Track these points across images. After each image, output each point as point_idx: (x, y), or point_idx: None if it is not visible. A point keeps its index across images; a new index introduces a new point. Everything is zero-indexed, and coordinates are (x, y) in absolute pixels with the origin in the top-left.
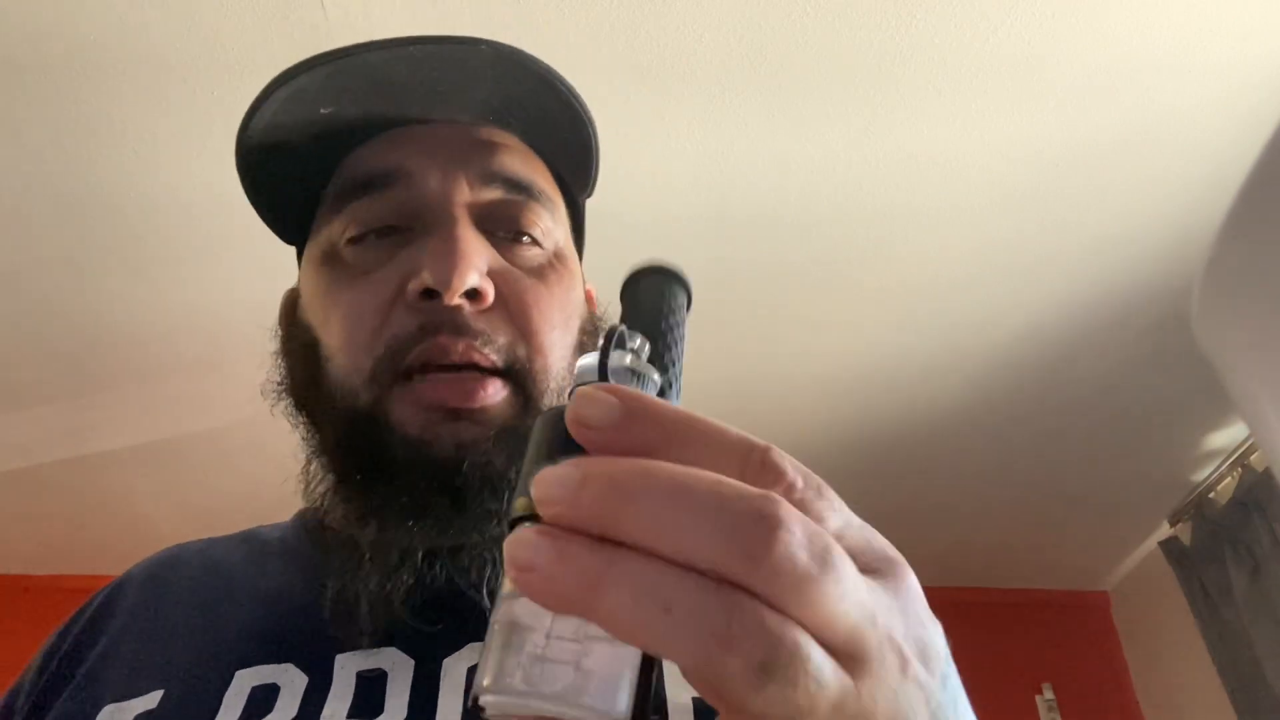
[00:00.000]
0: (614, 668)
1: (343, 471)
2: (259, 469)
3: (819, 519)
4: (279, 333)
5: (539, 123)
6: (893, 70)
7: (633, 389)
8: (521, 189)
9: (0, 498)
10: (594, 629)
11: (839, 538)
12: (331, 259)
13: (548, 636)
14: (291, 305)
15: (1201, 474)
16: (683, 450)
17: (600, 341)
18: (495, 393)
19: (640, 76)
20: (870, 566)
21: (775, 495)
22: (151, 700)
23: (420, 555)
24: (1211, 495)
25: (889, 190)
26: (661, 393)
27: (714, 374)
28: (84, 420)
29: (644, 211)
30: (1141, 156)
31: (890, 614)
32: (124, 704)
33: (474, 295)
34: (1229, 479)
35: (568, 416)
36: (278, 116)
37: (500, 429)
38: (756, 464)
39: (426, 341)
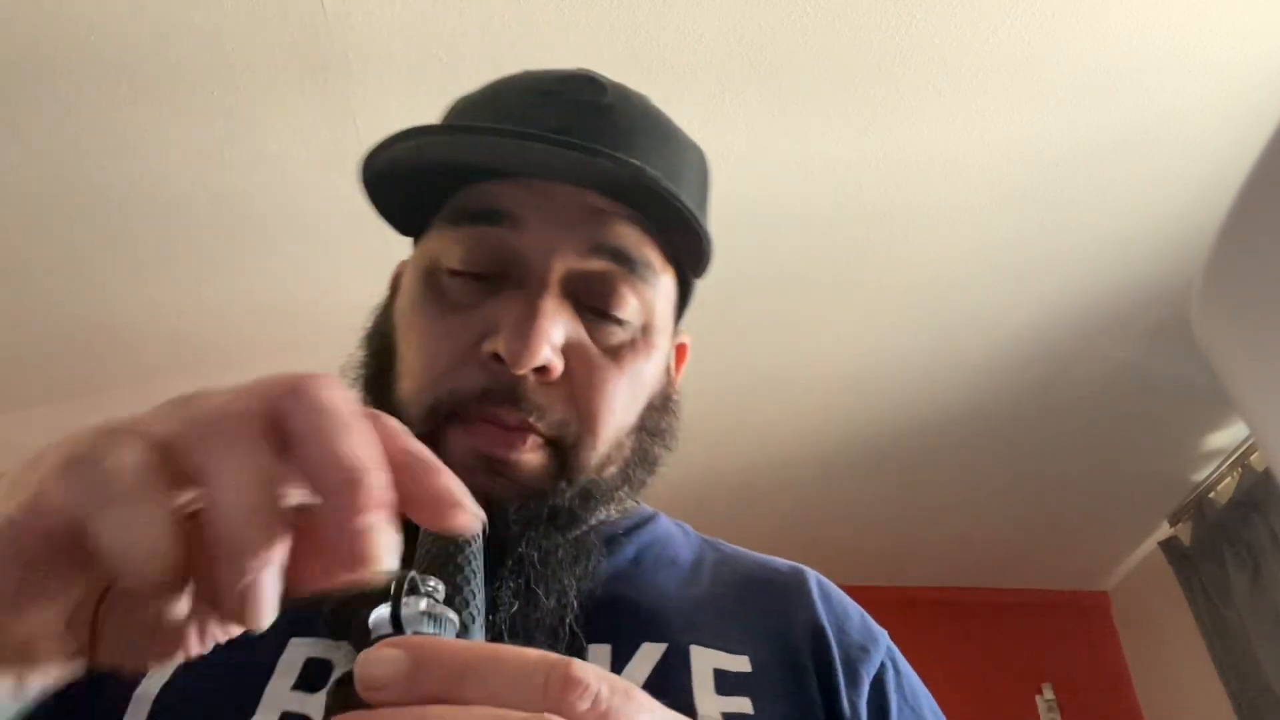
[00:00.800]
0: None
1: None
2: None
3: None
4: (376, 312)
5: (660, 209)
6: (893, 70)
7: (425, 635)
8: (625, 260)
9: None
10: None
11: None
12: (430, 278)
13: None
14: (392, 285)
15: (1201, 474)
16: (479, 685)
17: (391, 592)
18: (532, 449)
19: (640, 76)
20: None
21: (565, 704)
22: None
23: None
24: (1211, 495)
25: (889, 190)
26: (464, 629)
27: (714, 375)
28: (84, 420)
29: None
30: (1141, 156)
31: None
32: None
33: (541, 370)
34: (1229, 479)
35: (357, 678)
36: (401, 157)
37: (526, 492)
38: (558, 681)
39: (485, 406)
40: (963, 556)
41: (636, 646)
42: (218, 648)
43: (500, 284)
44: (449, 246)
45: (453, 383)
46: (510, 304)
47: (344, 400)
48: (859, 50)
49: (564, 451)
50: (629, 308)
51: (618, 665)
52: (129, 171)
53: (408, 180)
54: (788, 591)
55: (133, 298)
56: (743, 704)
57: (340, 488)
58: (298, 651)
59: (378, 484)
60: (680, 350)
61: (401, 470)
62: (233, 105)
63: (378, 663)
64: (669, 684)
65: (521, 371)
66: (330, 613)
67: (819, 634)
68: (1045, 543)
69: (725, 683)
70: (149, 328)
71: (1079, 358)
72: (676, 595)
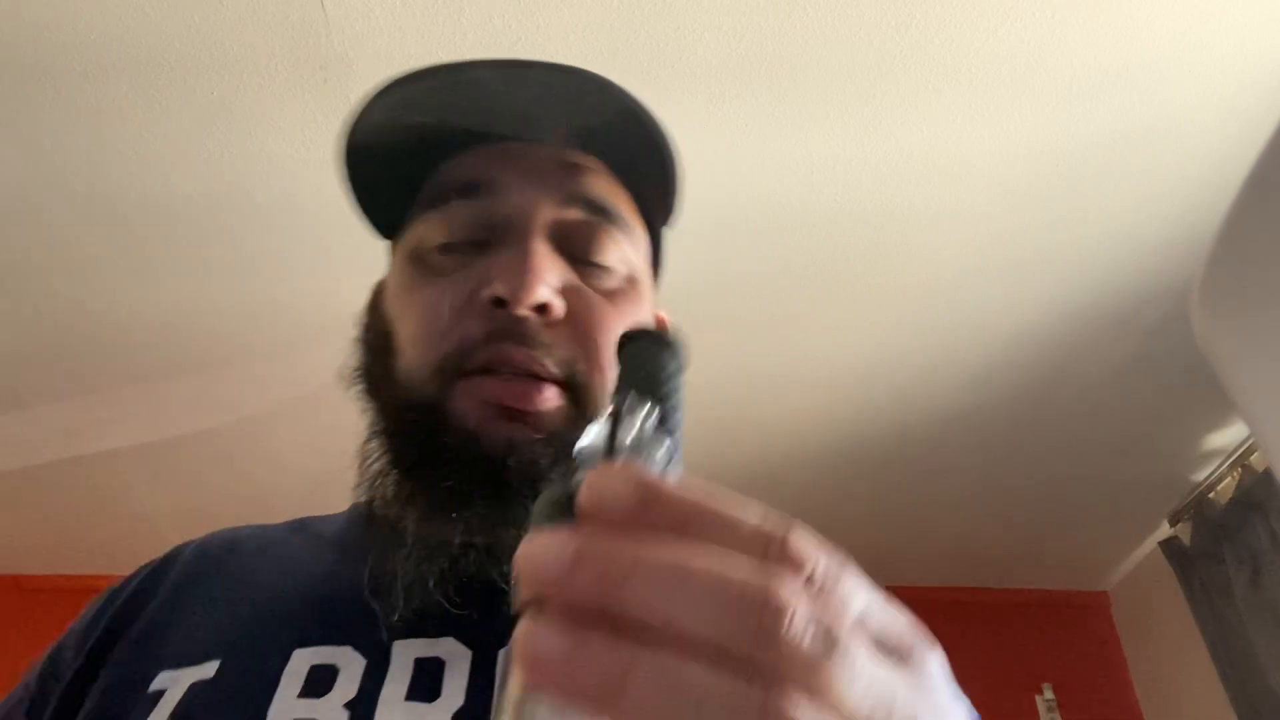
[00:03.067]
0: None
1: (398, 454)
2: (259, 469)
3: (839, 603)
4: (362, 320)
5: (623, 151)
6: (893, 70)
7: (642, 467)
8: (602, 212)
9: (0, 498)
10: None
11: (860, 622)
12: (417, 259)
13: None
14: (375, 296)
15: (1201, 474)
16: (703, 535)
17: (607, 417)
18: (551, 399)
19: (640, 76)
20: (892, 650)
21: (784, 577)
22: (208, 670)
23: (457, 543)
24: (1211, 495)
25: (889, 190)
26: (670, 458)
27: (714, 375)
28: (84, 420)
29: None
30: (1141, 156)
31: (911, 699)
32: (180, 671)
33: (543, 309)
34: (1229, 479)
35: (580, 501)
36: (382, 122)
37: (551, 433)
38: (776, 553)
39: (491, 347)
40: (962, 556)
41: None
42: (223, 667)
43: (487, 248)
44: (432, 227)
45: (456, 335)
46: (501, 255)
47: None
48: (859, 50)
49: (577, 392)
50: (612, 255)
51: None
52: (129, 171)
53: (383, 166)
54: None
55: (133, 298)
56: None
57: None
58: (301, 661)
59: None
60: (660, 321)
61: None
62: (233, 105)
63: (605, 487)
64: None
65: (523, 310)
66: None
67: None
68: (1045, 543)
69: None
70: (149, 328)
71: (1079, 358)
72: None
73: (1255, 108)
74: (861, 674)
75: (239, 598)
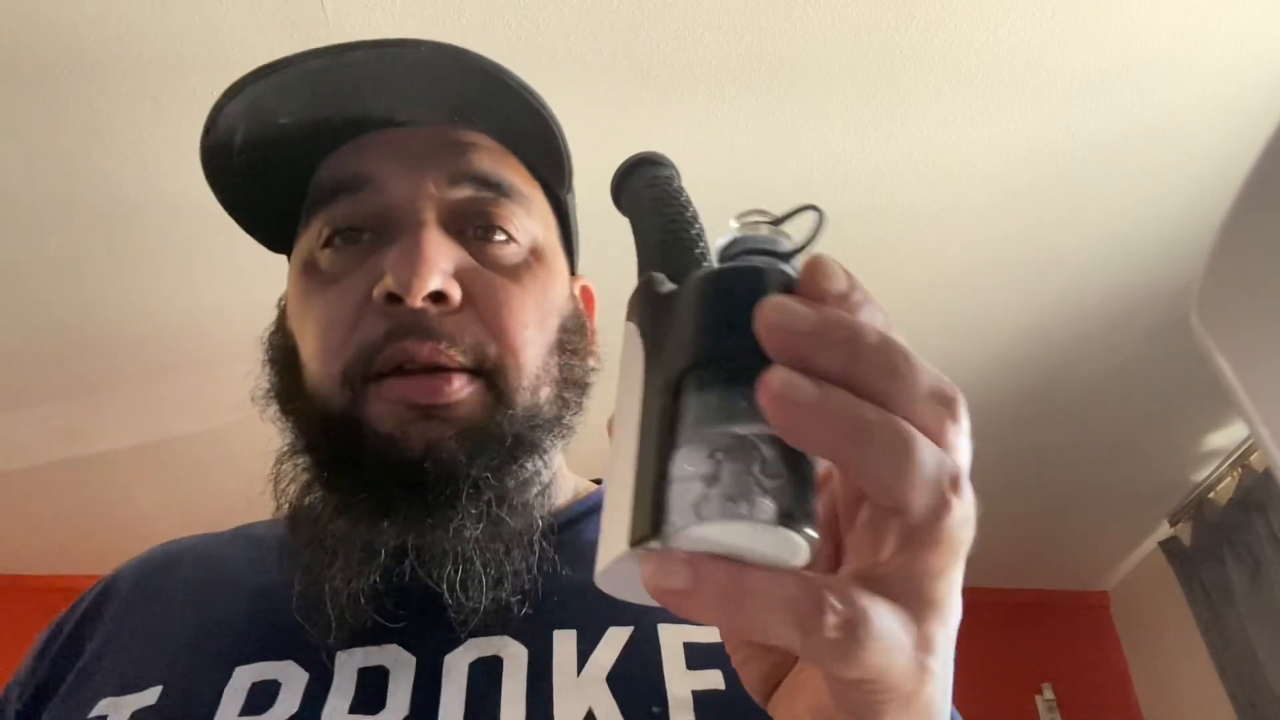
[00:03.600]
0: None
1: (317, 469)
2: (259, 469)
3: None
4: (268, 339)
5: (503, 120)
6: (892, 70)
7: (849, 273)
8: (491, 186)
9: (0, 498)
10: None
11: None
12: (308, 267)
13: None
14: (278, 315)
15: (1201, 474)
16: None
17: (764, 224)
18: (462, 388)
19: (640, 76)
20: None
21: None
22: (150, 696)
23: (385, 552)
24: (1211, 495)
25: (889, 190)
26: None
27: None
28: (84, 420)
29: None
30: (1141, 156)
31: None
32: (121, 699)
33: (439, 298)
34: (1229, 479)
35: (805, 280)
36: (243, 133)
37: (466, 427)
38: (948, 409)
39: (393, 347)
40: None
41: (603, 631)
42: (165, 693)
43: (376, 242)
44: (316, 231)
45: (356, 340)
46: (391, 249)
47: None
48: (859, 50)
49: (492, 378)
50: (510, 229)
51: (584, 650)
52: (129, 171)
53: (259, 174)
54: None
55: (133, 298)
56: (714, 678)
57: None
58: (243, 678)
59: None
60: (586, 295)
61: None
62: None
63: (834, 271)
64: (638, 665)
65: (418, 302)
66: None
67: None
68: (1045, 543)
69: (696, 656)
70: (149, 328)
71: (1079, 358)
72: None
73: (1255, 108)
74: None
75: (179, 620)
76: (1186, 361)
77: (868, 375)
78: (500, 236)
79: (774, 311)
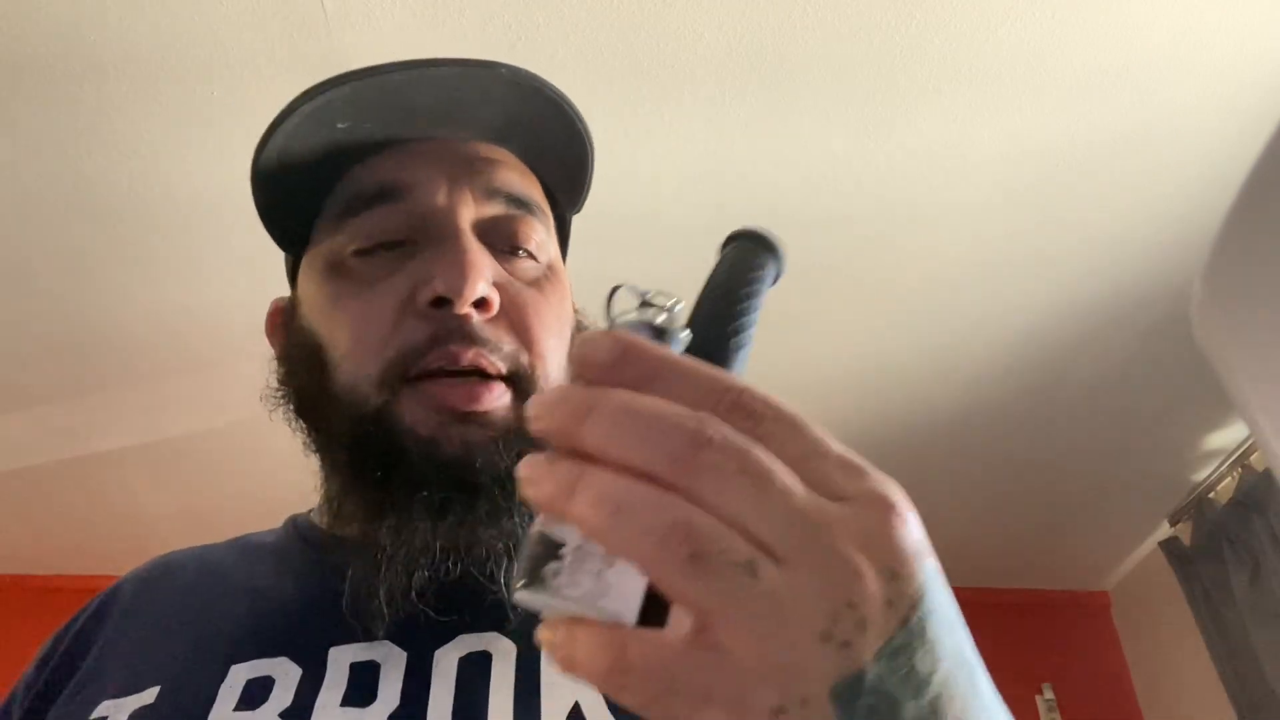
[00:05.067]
0: (631, 582)
1: (356, 471)
2: (259, 469)
3: (778, 444)
4: (278, 340)
5: (538, 141)
6: (892, 70)
7: (634, 337)
8: (521, 204)
9: (0, 498)
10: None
11: (798, 461)
12: (337, 269)
13: (576, 549)
14: (286, 314)
15: (1201, 474)
16: (666, 387)
17: (615, 299)
18: (499, 396)
19: (640, 76)
20: (837, 494)
21: (709, 417)
22: (148, 696)
23: (439, 550)
24: (1211, 495)
25: (889, 190)
26: (706, 351)
27: None
28: (84, 420)
29: (643, 211)
30: (1141, 156)
31: (851, 534)
32: (121, 700)
33: (481, 304)
34: (1229, 479)
35: (570, 357)
36: (297, 130)
37: (504, 431)
38: (728, 404)
39: (437, 349)
40: (963, 556)
41: None
42: (163, 692)
43: (412, 249)
44: (349, 236)
45: (398, 342)
46: (433, 255)
47: None
48: (859, 50)
49: (523, 385)
50: (533, 244)
51: None
52: (129, 171)
53: (291, 177)
54: None
55: (133, 298)
56: None
57: None
58: (238, 676)
59: None
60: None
61: None
62: (233, 105)
63: (593, 344)
64: None
65: (465, 308)
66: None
67: None
68: (1045, 543)
69: None
70: (149, 328)
71: (1079, 358)
72: None
73: (1255, 108)
74: (771, 498)
75: (177, 623)
76: (1186, 361)
77: (590, 439)
78: (524, 252)
79: (530, 403)
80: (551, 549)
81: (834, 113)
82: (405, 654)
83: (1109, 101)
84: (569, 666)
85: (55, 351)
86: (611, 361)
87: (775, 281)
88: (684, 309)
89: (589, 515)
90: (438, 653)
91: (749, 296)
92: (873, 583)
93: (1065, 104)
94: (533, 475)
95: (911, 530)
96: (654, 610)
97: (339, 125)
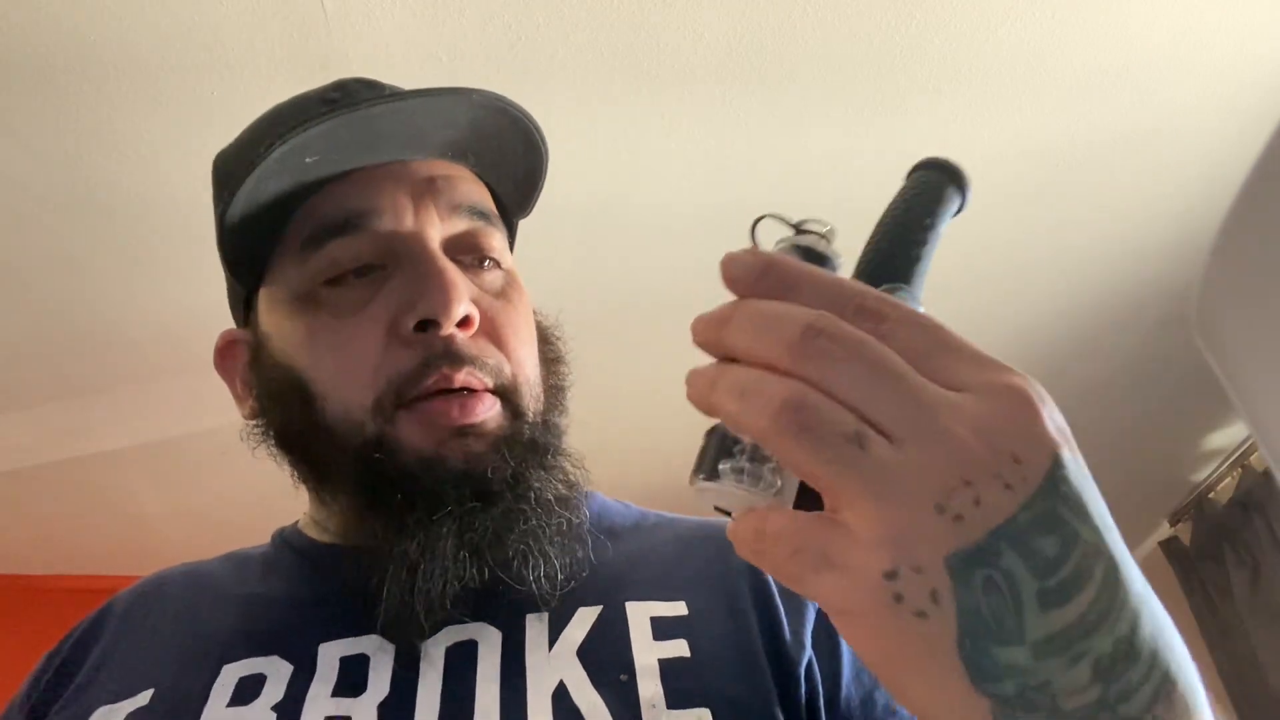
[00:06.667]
0: (788, 478)
1: (369, 497)
2: (259, 469)
3: (900, 340)
4: (241, 377)
5: (495, 154)
6: (892, 70)
7: (772, 254)
8: (482, 216)
9: (0, 498)
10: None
11: (920, 355)
12: (308, 301)
13: (748, 447)
14: (251, 350)
15: (1201, 474)
16: (798, 296)
17: (759, 227)
18: (490, 407)
19: (640, 76)
20: (961, 385)
21: (826, 314)
22: (143, 699)
23: (467, 560)
24: (1211, 495)
25: (889, 190)
26: (881, 274)
27: None
28: (84, 420)
29: (643, 211)
30: (1141, 156)
31: (968, 417)
32: (116, 705)
33: (464, 323)
34: (1229, 479)
35: (722, 274)
36: (267, 169)
37: (496, 439)
38: (854, 306)
39: (430, 373)
40: None
41: (572, 612)
42: (156, 694)
43: (384, 274)
44: (315, 267)
45: (389, 370)
46: (408, 280)
47: None
48: (859, 50)
49: (509, 396)
50: (496, 253)
51: (555, 629)
52: (129, 171)
53: (255, 218)
54: (725, 543)
55: (133, 298)
56: (680, 646)
57: None
58: (230, 675)
59: None
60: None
61: None
62: (233, 105)
63: (738, 263)
64: (607, 639)
65: (450, 329)
66: None
67: (756, 574)
68: None
69: (662, 628)
70: (149, 328)
71: (1079, 358)
72: (612, 560)
73: (1255, 108)
74: (880, 379)
75: (169, 632)
76: (1186, 361)
77: (731, 343)
78: (490, 262)
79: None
80: (728, 446)
81: (834, 113)
82: (393, 646)
83: (1109, 101)
84: (737, 543)
85: (55, 351)
86: (753, 277)
87: (959, 212)
88: (832, 232)
89: (724, 402)
90: (425, 644)
91: (930, 226)
92: (991, 465)
93: (1065, 104)
94: (690, 379)
95: (1041, 419)
96: (814, 497)
97: (307, 160)
